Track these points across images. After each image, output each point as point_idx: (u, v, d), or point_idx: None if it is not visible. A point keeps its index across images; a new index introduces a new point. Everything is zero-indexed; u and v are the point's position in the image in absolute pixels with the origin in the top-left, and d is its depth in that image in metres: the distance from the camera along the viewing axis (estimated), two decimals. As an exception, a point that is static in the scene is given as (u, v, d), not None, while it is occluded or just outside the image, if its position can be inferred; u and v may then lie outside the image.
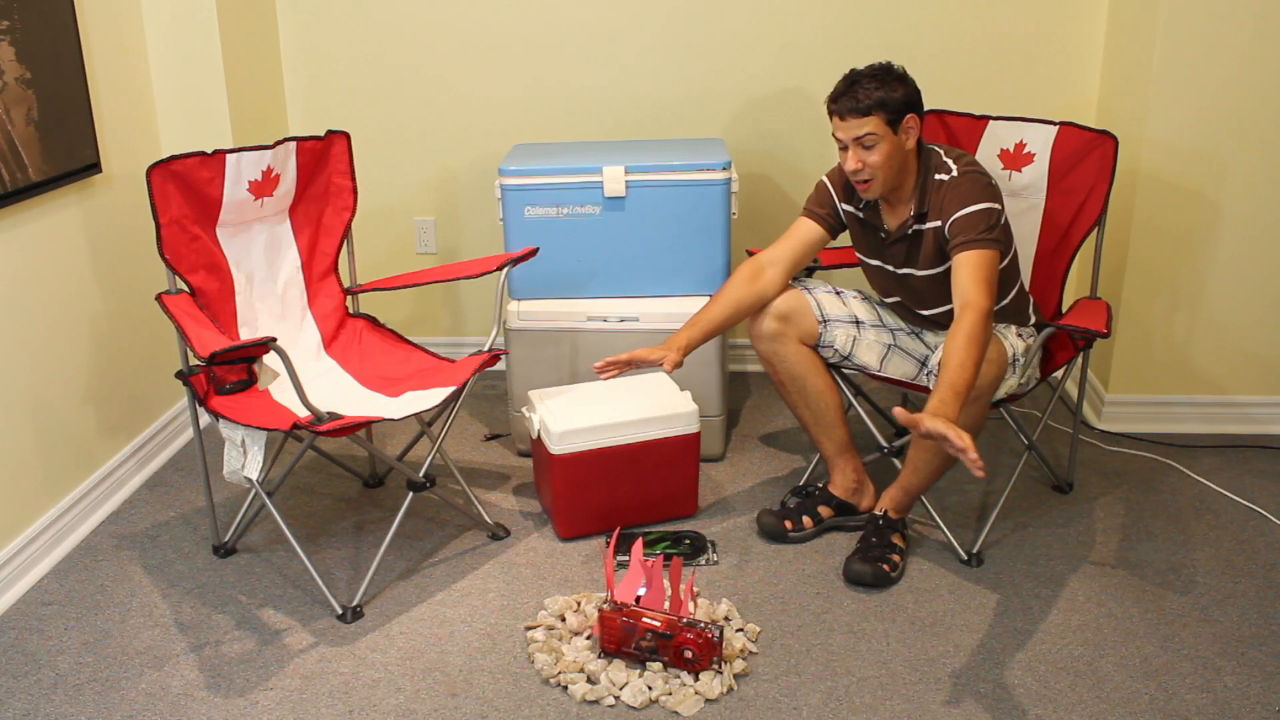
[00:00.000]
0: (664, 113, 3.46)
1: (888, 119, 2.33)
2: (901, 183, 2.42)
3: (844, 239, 2.70)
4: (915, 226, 2.43)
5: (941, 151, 2.44)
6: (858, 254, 2.64)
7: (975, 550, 2.57)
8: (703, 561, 2.57)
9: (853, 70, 2.37)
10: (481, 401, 3.51)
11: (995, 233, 2.33)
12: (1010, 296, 2.54)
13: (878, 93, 2.31)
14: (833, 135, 2.40)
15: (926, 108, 3.01)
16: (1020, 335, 2.56)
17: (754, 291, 2.56)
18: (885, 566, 2.46)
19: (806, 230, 2.59)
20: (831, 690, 2.14)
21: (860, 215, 2.54)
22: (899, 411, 2.03)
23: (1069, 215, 2.71)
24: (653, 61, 3.42)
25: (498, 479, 3.01)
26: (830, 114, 2.38)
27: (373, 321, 2.84)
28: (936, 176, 2.40)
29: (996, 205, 2.36)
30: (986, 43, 3.33)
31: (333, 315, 2.81)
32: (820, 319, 2.60)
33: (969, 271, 2.30)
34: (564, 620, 2.34)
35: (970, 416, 2.34)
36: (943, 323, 2.58)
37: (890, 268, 2.55)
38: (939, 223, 2.39)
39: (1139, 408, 3.22)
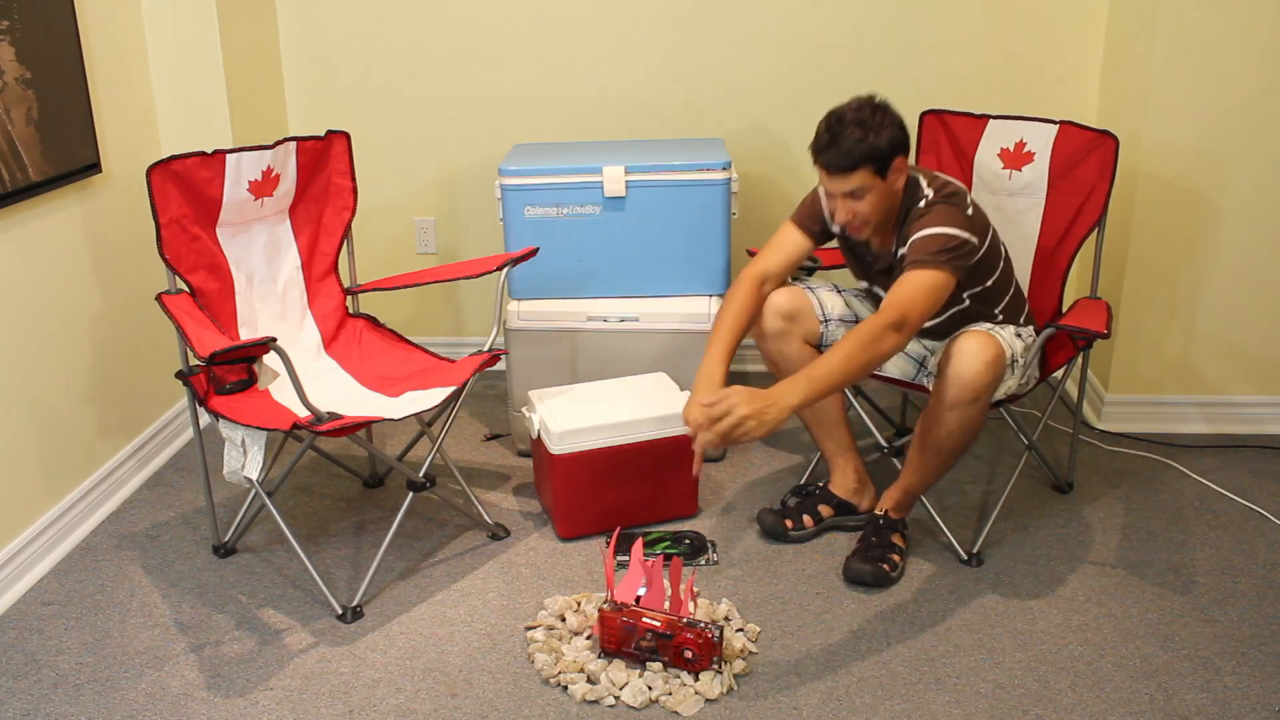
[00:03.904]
0: (664, 113, 3.46)
1: (876, 169, 2.27)
2: (890, 215, 2.40)
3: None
4: (900, 251, 2.40)
5: (924, 181, 2.39)
6: (851, 272, 2.65)
7: (975, 550, 2.57)
8: (703, 561, 2.57)
9: (833, 115, 2.28)
10: (481, 401, 3.51)
11: (947, 256, 2.25)
12: (1005, 301, 2.53)
13: (862, 145, 2.23)
14: (819, 184, 2.32)
15: (927, 108, 3.02)
16: (1019, 335, 2.56)
17: (758, 308, 2.55)
18: (885, 566, 2.46)
19: (795, 242, 2.54)
20: (831, 690, 2.14)
21: (848, 237, 2.53)
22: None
23: (1069, 215, 2.71)
24: (653, 61, 3.42)
25: (498, 479, 3.01)
26: (815, 164, 2.31)
27: (373, 321, 2.84)
28: (917, 205, 2.36)
29: (961, 233, 2.28)
30: (986, 43, 3.33)
31: (333, 315, 2.81)
32: (822, 318, 2.60)
33: (901, 287, 2.24)
34: (564, 620, 2.34)
35: (968, 419, 2.34)
36: (934, 331, 2.57)
37: (878, 290, 2.55)
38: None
39: (1139, 408, 3.22)
